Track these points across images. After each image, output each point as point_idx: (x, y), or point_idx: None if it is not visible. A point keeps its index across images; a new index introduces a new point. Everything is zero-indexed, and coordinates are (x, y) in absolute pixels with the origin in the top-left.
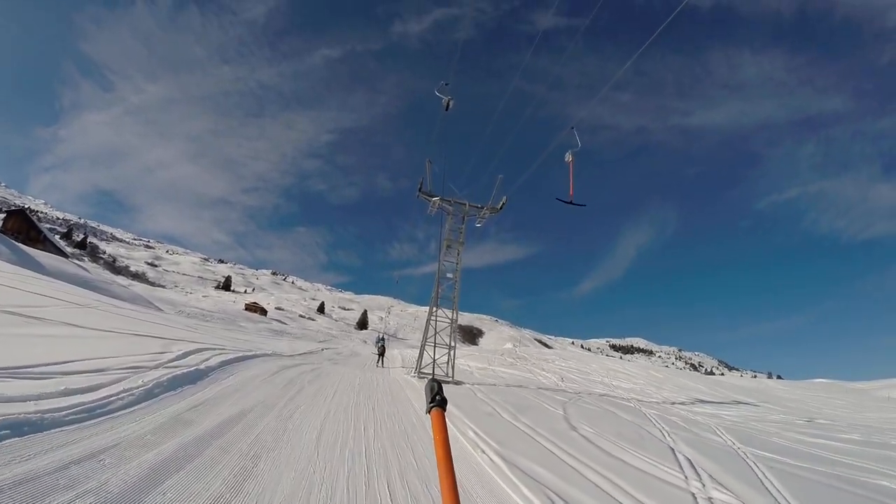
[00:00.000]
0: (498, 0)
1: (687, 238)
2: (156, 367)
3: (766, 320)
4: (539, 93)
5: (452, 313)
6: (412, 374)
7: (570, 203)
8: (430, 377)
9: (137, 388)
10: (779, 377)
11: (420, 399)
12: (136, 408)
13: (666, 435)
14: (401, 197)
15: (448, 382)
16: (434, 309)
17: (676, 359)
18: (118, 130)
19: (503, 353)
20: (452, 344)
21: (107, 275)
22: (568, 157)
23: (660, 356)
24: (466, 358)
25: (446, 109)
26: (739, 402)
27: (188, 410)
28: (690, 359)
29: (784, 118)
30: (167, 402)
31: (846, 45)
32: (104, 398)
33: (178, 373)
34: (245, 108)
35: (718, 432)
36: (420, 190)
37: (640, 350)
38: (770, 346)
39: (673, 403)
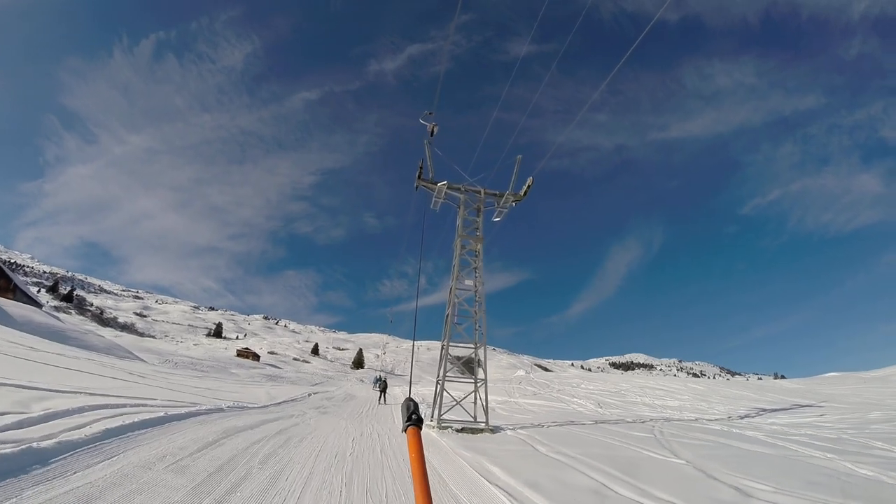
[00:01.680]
0: (470, 32)
1: (675, 250)
2: None
3: (761, 323)
4: (516, 120)
5: (475, 334)
6: (430, 422)
7: None
8: (407, 398)
9: None
10: (783, 377)
11: (472, 489)
12: None
13: (856, 468)
14: (388, 234)
15: (481, 430)
16: (447, 332)
17: (678, 370)
18: (103, 182)
19: (519, 381)
20: (482, 377)
21: (89, 325)
22: None
23: (661, 369)
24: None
25: (431, 136)
26: (802, 406)
27: None
28: (692, 368)
29: (759, 122)
30: None
31: (814, 44)
32: None
33: None
34: (227, 154)
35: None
36: (419, 177)
37: (640, 365)
38: (768, 347)
39: (743, 417)
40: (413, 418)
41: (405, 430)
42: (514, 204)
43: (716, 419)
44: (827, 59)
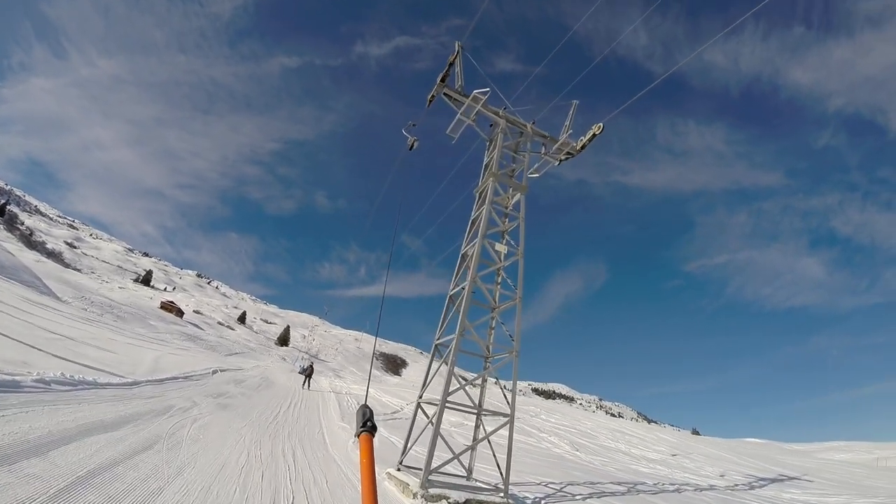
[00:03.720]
0: (460, 37)
1: (615, 292)
2: None
3: (683, 376)
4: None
5: (490, 334)
6: (399, 472)
7: None
8: (363, 405)
9: None
10: (697, 432)
11: None
12: None
13: None
14: (338, 216)
15: None
16: (460, 327)
17: (598, 407)
18: (62, 101)
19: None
20: (506, 412)
21: (12, 245)
22: None
23: (581, 403)
24: (402, 398)
25: (410, 149)
26: (791, 477)
27: None
28: (611, 409)
29: (719, 188)
30: None
31: (786, 126)
32: None
33: None
34: (194, 101)
35: None
36: (443, 81)
37: (561, 395)
38: (687, 401)
39: (753, 487)
40: (368, 425)
41: (357, 436)
42: (563, 160)
43: (730, 488)
44: (796, 143)
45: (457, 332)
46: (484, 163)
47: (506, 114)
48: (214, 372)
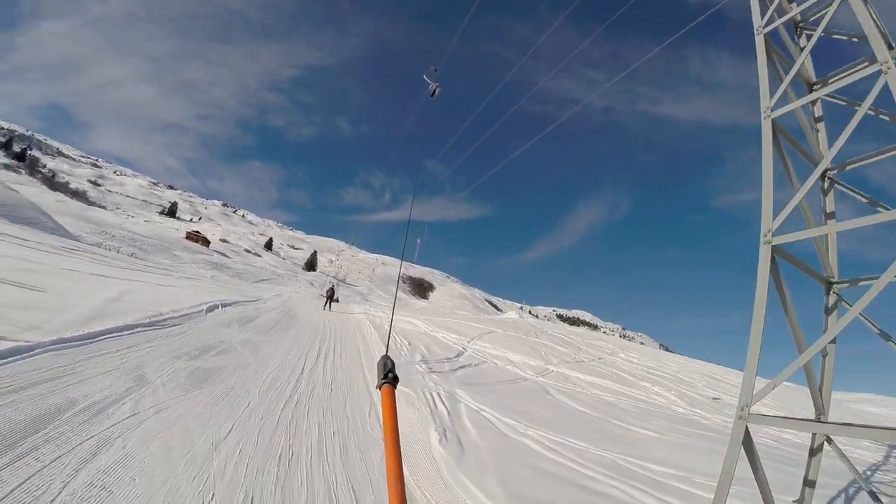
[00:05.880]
0: None
1: (639, 221)
2: None
3: (710, 313)
4: (513, 57)
5: None
6: None
7: None
8: (384, 356)
9: None
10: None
11: None
12: None
13: None
14: (359, 141)
15: None
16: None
17: (621, 336)
18: (76, 42)
19: (534, 332)
20: None
21: (31, 188)
22: None
23: (605, 331)
24: (460, 333)
25: (432, 96)
26: None
27: None
28: (634, 338)
29: (752, 125)
30: None
31: (833, 65)
32: None
33: None
34: (209, 32)
35: None
36: None
37: (585, 323)
38: (708, 337)
39: None
40: (390, 377)
41: (379, 388)
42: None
43: None
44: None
45: None
46: None
47: None
48: (211, 309)
